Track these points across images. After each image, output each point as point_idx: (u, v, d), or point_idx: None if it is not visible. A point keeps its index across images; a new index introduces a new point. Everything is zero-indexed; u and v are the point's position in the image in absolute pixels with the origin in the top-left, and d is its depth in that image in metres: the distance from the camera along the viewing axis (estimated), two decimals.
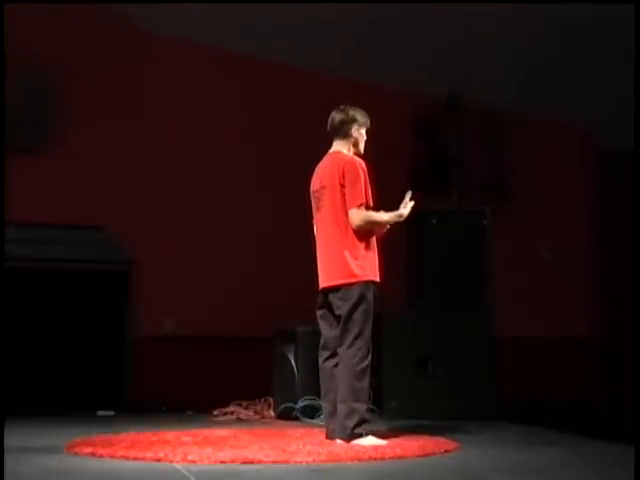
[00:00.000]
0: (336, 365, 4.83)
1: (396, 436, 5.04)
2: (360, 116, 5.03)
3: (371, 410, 6.18)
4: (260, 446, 4.54)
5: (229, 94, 8.56)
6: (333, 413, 4.81)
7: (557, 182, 9.76)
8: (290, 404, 6.29)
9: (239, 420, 6.44)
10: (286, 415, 6.32)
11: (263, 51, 8.46)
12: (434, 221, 6.84)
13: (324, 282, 4.90)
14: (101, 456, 4.27)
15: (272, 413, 6.58)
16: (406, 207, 4.91)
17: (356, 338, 4.71)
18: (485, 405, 6.38)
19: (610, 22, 7.57)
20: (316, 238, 5.01)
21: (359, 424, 4.67)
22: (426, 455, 4.37)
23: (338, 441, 4.68)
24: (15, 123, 7.32)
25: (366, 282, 4.78)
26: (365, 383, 4.72)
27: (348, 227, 4.81)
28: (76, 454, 4.37)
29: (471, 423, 5.81)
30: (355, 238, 4.81)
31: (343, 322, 4.77)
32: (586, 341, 9.53)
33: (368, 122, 5.06)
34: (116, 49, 8.20)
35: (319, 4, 7.65)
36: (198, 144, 8.44)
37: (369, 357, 4.76)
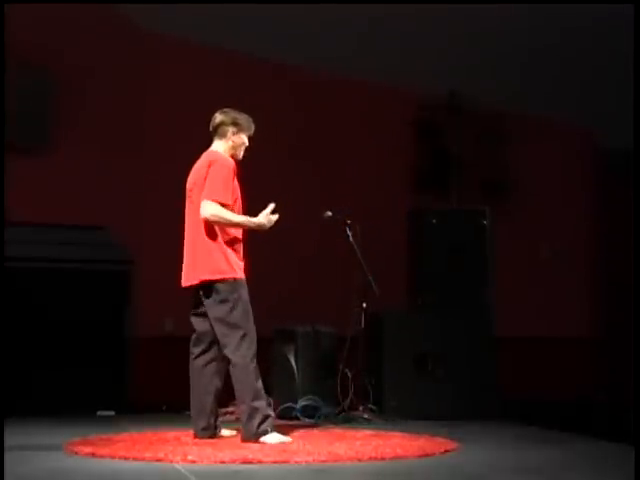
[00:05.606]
0: (209, 362, 4.81)
1: (396, 436, 5.05)
2: (242, 121, 4.99)
3: (371, 410, 6.20)
4: (260, 446, 4.54)
5: (229, 94, 8.52)
6: (200, 411, 4.85)
7: (557, 182, 9.76)
8: (290, 404, 6.28)
9: (239, 420, 6.41)
10: (286, 415, 6.31)
11: (263, 51, 8.46)
12: (434, 221, 6.84)
13: (190, 280, 4.85)
14: (101, 456, 4.26)
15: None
16: (267, 218, 4.89)
17: (242, 338, 4.69)
18: (485, 405, 6.38)
19: (610, 22, 7.57)
20: (185, 236, 4.96)
21: (263, 421, 4.67)
22: (426, 455, 4.36)
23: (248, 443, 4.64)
24: (15, 123, 7.32)
25: (235, 280, 4.75)
26: (260, 382, 4.70)
27: (215, 226, 4.78)
28: (76, 454, 4.36)
29: (471, 423, 5.82)
30: (223, 237, 4.81)
31: (225, 325, 4.72)
32: (586, 341, 9.53)
33: (252, 129, 5.02)
34: (116, 49, 8.20)
35: (319, 4, 7.65)
36: (197, 144, 8.39)
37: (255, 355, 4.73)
